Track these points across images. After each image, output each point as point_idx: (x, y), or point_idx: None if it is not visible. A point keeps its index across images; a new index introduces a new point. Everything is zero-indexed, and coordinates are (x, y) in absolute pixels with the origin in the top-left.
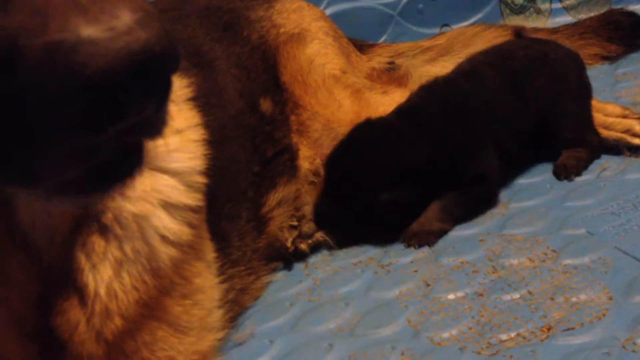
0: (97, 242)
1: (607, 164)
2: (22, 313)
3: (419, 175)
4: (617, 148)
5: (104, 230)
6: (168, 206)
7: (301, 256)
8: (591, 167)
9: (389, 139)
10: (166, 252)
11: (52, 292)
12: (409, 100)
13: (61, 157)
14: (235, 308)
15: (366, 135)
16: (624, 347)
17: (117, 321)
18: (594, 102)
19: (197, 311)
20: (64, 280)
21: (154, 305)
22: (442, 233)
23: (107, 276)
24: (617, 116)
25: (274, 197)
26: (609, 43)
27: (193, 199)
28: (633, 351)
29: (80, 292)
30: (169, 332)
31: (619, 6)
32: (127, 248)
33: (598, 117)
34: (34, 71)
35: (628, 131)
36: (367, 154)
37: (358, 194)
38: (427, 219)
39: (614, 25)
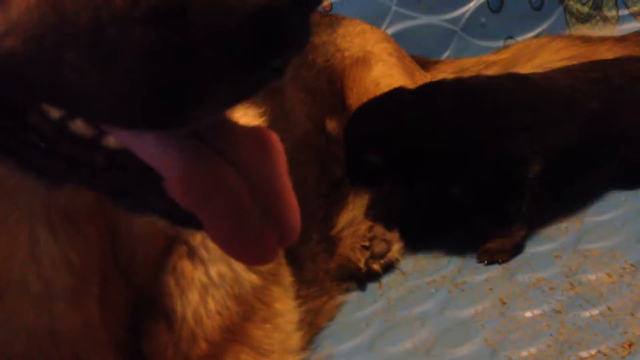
0: (186, 266)
1: None
2: (120, 336)
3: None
4: None
5: (192, 254)
6: None
7: (374, 276)
8: None
9: None
10: (248, 278)
11: (142, 315)
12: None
13: (222, 97)
14: (311, 329)
15: None
16: None
17: (203, 345)
18: None
19: (277, 334)
20: (153, 304)
21: (237, 329)
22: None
23: (194, 301)
24: None
25: (343, 218)
26: None
27: None
28: None
29: (168, 316)
30: (252, 355)
31: None
32: (213, 273)
33: None
34: (204, 14)
35: None
36: None
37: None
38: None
39: None
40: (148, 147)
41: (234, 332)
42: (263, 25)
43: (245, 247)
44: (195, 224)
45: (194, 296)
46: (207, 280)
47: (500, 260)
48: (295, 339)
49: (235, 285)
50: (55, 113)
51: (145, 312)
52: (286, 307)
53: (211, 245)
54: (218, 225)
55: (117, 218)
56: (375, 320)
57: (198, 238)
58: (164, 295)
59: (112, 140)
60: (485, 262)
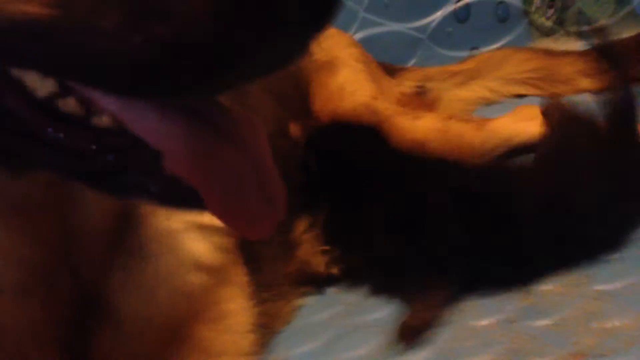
0: (133, 262)
1: None
2: (66, 334)
3: None
4: None
5: (142, 249)
6: (201, 227)
7: (333, 281)
8: None
9: None
10: (198, 276)
11: (89, 314)
12: None
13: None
14: (267, 333)
15: None
16: None
17: (150, 345)
18: None
19: (228, 336)
20: (101, 302)
21: (185, 329)
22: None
23: (142, 299)
24: None
25: (304, 222)
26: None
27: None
28: None
29: (116, 315)
30: (201, 357)
31: None
32: (161, 269)
33: None
34: None
35: None
36: None
37: None
38: None
39: None
40: (151, 124)
41: (183, 332)
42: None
43: (248, 221)
44: (195, 201)
45: (142, 294)
46: (155, 277)
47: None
48: (248, 341)
49: (185, 283)
50: (42, 91)
51: (92, 310)
52: (238, 308)
53: (161, 241)
54: (222, 200)
55: (71, 212)
56: (331, 325)
57: (147, 233)
58: (112, 293)
59: (104, 119)
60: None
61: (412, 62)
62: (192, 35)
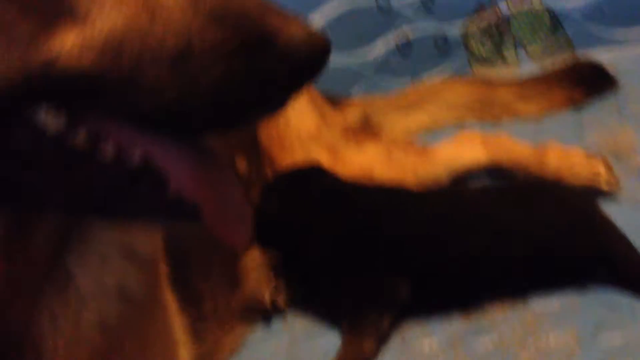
0: (61, 292)
1: None
2: None
3: None
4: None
5: (69, 277)
6: (129, 255)
7: (280, 311)
8: None
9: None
10: (115, 309)
11: (9, 353)
12: None
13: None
14: None
15: None
16: None
17: None
18: (559, 148)
19: None
20: (22, 337)
21: None
22: None
23: (63, 332)
24: (583, 161)
25: (250, 255)
26: (573, 89)
27: (155, 253)
28: None
29: (36, 350)
30: None
31: (581, 53)
32: (87, 298)
33: (564, 163)
34: (275, 57)
35: (594, 174)
36: None
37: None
38: None
39: (578, 72)
40: (165, 153)
41: None
42: (314, 63)
43: (239, 235)
44: (196, 217)
45: (66, 326)
46: (80, 309)
47: None
48: None
49: (109, 314)
50: (51, 127)
51: (13, 348)
52: (163, 340)
53: (92, 267)
54: (220, 216)
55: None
56: (279, 355)
57: (80, 259)
58: (36, 327)
59: (109, 152)
60: None
61: (355, 93)
62: (222, 90)
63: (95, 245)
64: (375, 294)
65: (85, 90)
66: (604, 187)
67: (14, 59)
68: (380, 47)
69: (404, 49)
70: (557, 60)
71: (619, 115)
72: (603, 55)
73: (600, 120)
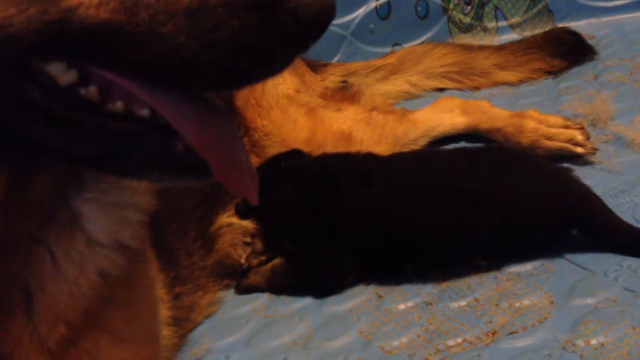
0: (58, 240)
1: None
2: None
3: None
4: (559, 157)
5: (66, 226)
6: (123, 208)
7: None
8: None
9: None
10: (116, 258)
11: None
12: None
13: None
14: (186, 325)
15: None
16: (564, 348)
17: (62, 329)
18: (537, 114)
19: (139, 321)
20: (11, 290)
21: (98, 312)
22: None
23: (57, 281)
24: (560, 127)
25: (224, 216)
26: (552, 58)
27: (143, 210)
28: (573, 352)
29: (28, 301)
30: (110, 339)
31: (561, 23)
32: (81, 248)
33: (541, 129)
34: (286, 13)
35: (570, 140)
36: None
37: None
38: None
39: (557, 42)
40: (174, 108)
41: (95, 315)
42: (321, 23)
43: (249, 188)
44: (205, 171)
45: (60, 276)
46: (84, 254)
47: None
48: (160, 327)
49: (107, 262)
50: (62, 80)
51: (3, 302)
52: (150, 294)
53: (88, 217)
54: (231, 171)
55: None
56: (255, 316)
57: (77, 207)
58: (31, 277)
59: (118, 106)
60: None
61: (336, 58)
62: (236, 43)
63: (105, 194)
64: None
65: (100, 42)
66: (580, 152)
67: (33, 7)
68: (360, 13)
69: (382, 10)
70: (537, 30)
71: (595, 83)
72: (582, 25)
73: (577, 88)
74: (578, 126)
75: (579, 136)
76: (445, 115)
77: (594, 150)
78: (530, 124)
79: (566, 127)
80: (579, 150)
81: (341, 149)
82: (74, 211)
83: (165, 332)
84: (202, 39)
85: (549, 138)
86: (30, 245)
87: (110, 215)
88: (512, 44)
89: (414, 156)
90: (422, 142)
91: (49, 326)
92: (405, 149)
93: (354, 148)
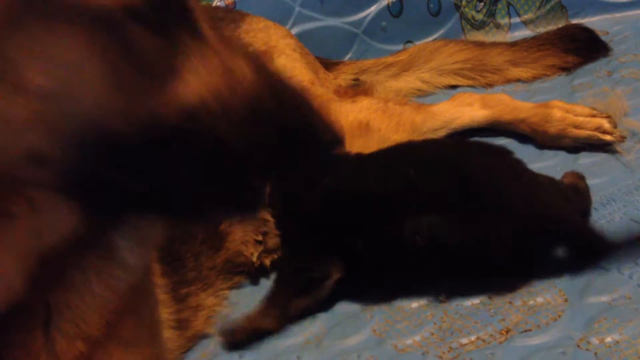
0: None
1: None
2: None
3: None
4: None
5: (94, 255)
6: (153, 237)
7: (264, 272)
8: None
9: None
10: (141, 275)
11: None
12: None
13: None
14: (194, 324)
15: None
16: (578, 346)
17: (80, 345)
18: (562, 104)
19: (143, 323)
20: (33, 309)
21: (114, 324)
22: None
23: (81, 300)
24: (587, 116)
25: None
26: (565, 54)
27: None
28: (587, 350)
29: (45, 318)
30: (121, 348)
31: (575, 20)
32: (112, 272)
33: (569, 118)
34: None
35: (598, 129)
36: None
37: None
38: None
39: (571, 38)
40: None
41: (112, 326)
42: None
43: None
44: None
45: (100, 290)
46: (116, 276)
47: None
48: (160, 328)
49: (134, 279)
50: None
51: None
52: (151, 297)
53: (126, 245)
54: None
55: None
56: None
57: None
58: (61, 292)
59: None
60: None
61: (348, 56)
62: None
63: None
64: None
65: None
66: (609, 140)
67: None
68: (372, 11)
69: (394, 7)
70: (550, 27)
71: (609, 79)
72: (595, 22)
73: (591, 84)
74: (605, 115)
75: (606, 124)
76: (464, 109)
77: (622, 139)
78: (557, 113)
79: (593, 116)
80: (608, 137)
81: (359, 138)
82: (110, 241)
83: (168, 334)
84: (249, 136)
85: (577, 126)
86: (65, 269)
87: (144, 244)
88: (525, 40)
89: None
90: (441, 133)
91: (67, 343)
92: (423, 137)
93: (372, 137)
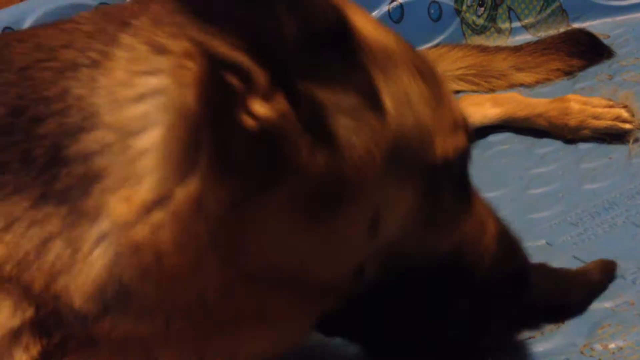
0: None
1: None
2: None
3: None
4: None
5: None
6: None
7: None
8: (549, 179)
9: None
10: None
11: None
12: None
13: None
14: None
15: None
16: (582, 352)
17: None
18: (579, 97)
19: None
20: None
21: None
22: None
23: None
24: (604, 107)
25: None
26: (570, 58)
27: None
28: (591, 356)
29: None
30: None
31: (575, 23)
32: None
33: (587, 109)
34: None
35: (617, 118)
36: None
37: None
38: None
39: (575, 41)
40: None
41: None
42: None
43: None
44: None
45: None
46: None
47: None
48: None
49: None
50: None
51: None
52: None
53: None
54: None
55: None
56: None
57: None
58: None
59: None
60: None
61: None
62: None
63: None
64: None
65: None
66: (628, 128)
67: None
68: (373, 16)
69: (395, 13)
70: (552, 31)
71: (611, 83)
72: (596, 25)
73: (593, 88)
74: (622, 104)
75: (624, 113)
76: (475, 108)
77: None
78: (576, 106)
79: (610, 106)
80: (627, 126)
81: None
82: None
83: None
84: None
85: (596, 117)
86: None
87: None
88: (529, 44)
89: None
90: None
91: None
92: None
93: None
